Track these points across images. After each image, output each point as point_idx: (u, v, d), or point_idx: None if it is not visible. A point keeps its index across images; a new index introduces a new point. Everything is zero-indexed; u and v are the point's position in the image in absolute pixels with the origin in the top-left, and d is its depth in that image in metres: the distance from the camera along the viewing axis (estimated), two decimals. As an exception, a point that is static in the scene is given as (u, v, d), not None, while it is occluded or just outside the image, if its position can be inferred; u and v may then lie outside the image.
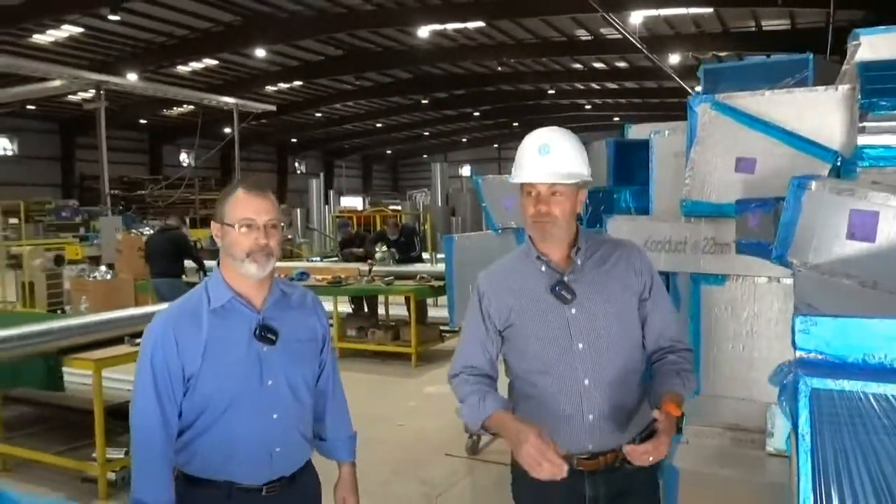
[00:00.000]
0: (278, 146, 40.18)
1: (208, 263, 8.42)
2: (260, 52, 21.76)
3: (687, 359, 1.96)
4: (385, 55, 23.53)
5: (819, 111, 2.99)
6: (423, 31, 20.32)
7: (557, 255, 1.95)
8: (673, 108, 29.09)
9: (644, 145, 3.99)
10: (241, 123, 17.55)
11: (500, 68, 25.48)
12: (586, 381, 1.89)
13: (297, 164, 44.31)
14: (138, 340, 3.98)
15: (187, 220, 16.68)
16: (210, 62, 23.20)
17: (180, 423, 1.86)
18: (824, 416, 1.18)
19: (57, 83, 15.64)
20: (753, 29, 20.71)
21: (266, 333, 1.86)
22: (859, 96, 2.70)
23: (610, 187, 4.72)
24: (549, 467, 1.66)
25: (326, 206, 20.82)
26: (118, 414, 4.32)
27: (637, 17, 18.40)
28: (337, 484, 2.17)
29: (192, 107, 26.06)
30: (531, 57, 24.18)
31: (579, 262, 1.94)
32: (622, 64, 25.25)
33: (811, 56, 3.49)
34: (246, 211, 1.84)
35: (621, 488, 1.95)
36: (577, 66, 26.10)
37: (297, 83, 27.00)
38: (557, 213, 1.89)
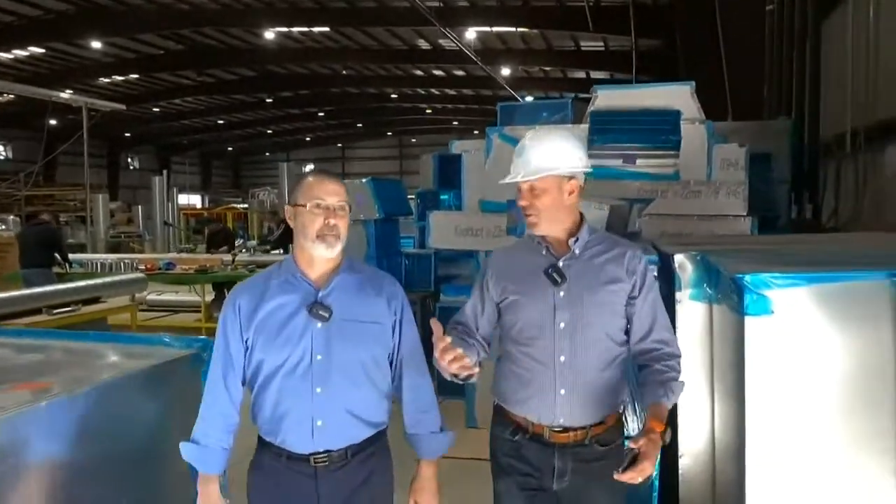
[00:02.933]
0: (110, 140, 38.19)
1: (72, 256, 8.85)
2: (95, 44, 21.06)
3: (672, 366, 2.01)
4: (230, 53, 23.50)
5: (569, 141, 4.43)
6: (270, 33, 20.76)
7: (558, 241, 2.08)
8: (506, 115, 31.54)
9: (460, 158, 5.34)
10: (90, 122, 16.99)
11: (344, 72, 26.38)
12: (562, 358, 2.00)
13: (129, 160, 42.29)
14: (56, 311, 4.68)
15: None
16: (36, 50, 22.03)
17: (248, 381, 2.01)
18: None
19: None
20: (573, 48, 23.02)
21: (318, 310, 1.91)
22: (587, 133, 4.17)
23: (436, 189, 6.07)
24: (448, 356, 1.83)
25: (169, 204, 20.67)
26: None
27: (472, 32, 20.11)
28: (411, 484, 2.11)
29: (11, 96, 24.46)
30: (375, 63, 25.24)
31: (577, 252, 2.05)
32: (460, 72, 27.00)
33: (570, 101, 4.99)
34: (317, 192, 1.93)
35: (588, 468, 2.04)
36: (419, 72, 27.53)
37: (134, 76, 26.19)
38: (538, 205, 2.03)
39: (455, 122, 37.82)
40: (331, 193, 1.94)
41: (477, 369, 1.96)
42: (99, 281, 5.38)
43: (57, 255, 8.46)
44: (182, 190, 32.53)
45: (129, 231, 20.31)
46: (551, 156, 2.03)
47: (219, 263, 8.89)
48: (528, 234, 2.13)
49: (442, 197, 6.15)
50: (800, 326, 1.75)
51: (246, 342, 1.94)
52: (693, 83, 4.64)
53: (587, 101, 4.75)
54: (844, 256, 2.18)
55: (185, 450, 1.94)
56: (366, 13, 19.06)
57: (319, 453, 1.93)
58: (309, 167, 46.93)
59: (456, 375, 1.93)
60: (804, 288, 1.72)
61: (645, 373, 2.03)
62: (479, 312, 2.15)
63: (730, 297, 1.99)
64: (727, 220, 4.21)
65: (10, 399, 1.42)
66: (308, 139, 44.88)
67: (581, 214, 2.10)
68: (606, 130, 4.18)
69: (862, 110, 5.79)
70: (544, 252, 2.08)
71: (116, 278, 5.56)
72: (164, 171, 23.50)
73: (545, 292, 2.03)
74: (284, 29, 20.52)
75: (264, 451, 1.99)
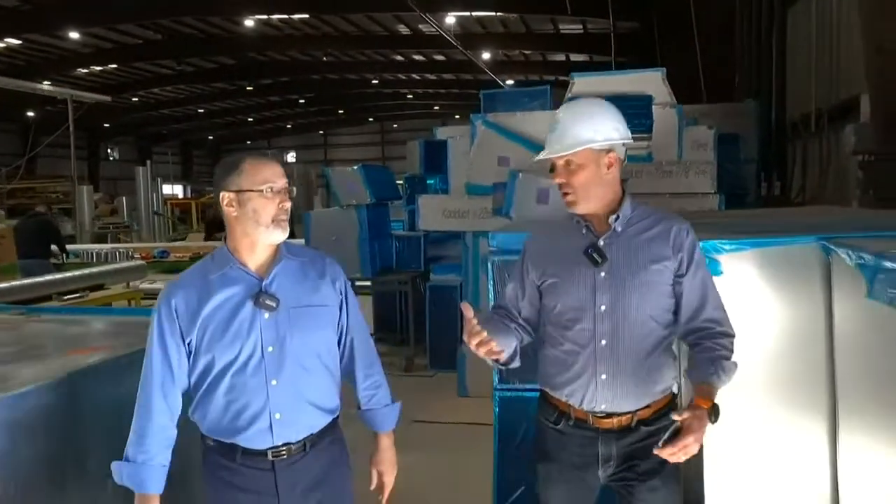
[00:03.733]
0: (89, 131, 37.84)
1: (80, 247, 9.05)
2: (73, 34, 20.93)
3: (724, 345, 1.92)
4: (209, 42, 23.39)
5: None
6: (249, 21, 20.75)
7: (599, 218, 1.98)
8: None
9: (446, 144, 5.61)
10: (75, 115, 16.97)
11: (325, 58, 26.39)
12: (603, 342, 1.92)
13: (109, 151, 41.95)
14: (66, 297, 4.91)
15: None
16: (13, 41, 21.83)
17: (192, 385, 1.91)
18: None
19: None
20: (553, 32, 23.19)
21: (265, 300, 1.85)
22: (565, 119, 4.44)
23: (422, 174, 6.36)
24: (473, 341, 1.82)
25: (154, 194, 20.73)
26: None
27: (452, 17, 20.25)
28: (372, 456, 2.11)
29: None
30: (355, 49, 25.29)
31: (619, 229, 1.95)
32: (440, 57, 27.06)
33: (549, 87, 5.26)
34: (268, 174, 1.86)
35: (634, 452, 1.96)
36: (399, 58, 27.57)
37: (112, 66, 26.01)
38: (574, 182, 1.93)
39: (436, 107, 37.91)
40: (279, 176, 1.88)
41: (506, 355, 1.92)
42: (105, 268, 5.65)
43: (54, 245, 8.65)
44: (165, 180, 32.43)
45: (117, 222, 20.41)
46: (586, 128, 1.92)
47: (212, 250, 9.08)
48: (571, 212, 2.01)
49: (429, 181, 6.46)
50: (746, 284, 2.04)
51: (188, 345, 1.86)
52: (664, 70, 4.92)
53: (566, 85, 5.02)
54: (787, 225, 2.47)
55: (119, 469, 1.83)
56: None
57: (278, 447, 1.88)
58: (291, 155, 46.90)
59: (497, 360, 1.92)
60: (748, 251, 2.01)
61: (695, 351, 1.95)
62: (519, 295, 2.08)
63: (688, 262, 2.26)
64: (697, 197, 4.52)
65: (79, 360, 1.67)
66: (289, 126, 44.75)
67: (623, 189, 2.00)
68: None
69: (825, 92, 6.12)
70: (584, 231, 1.98)
71: (120, 265, 5.82)
72: (148, 162, 23.50)
73: (585, 273, 1.94)
74: (264, 17, 20.53)
75: (213, 450, 1.91)
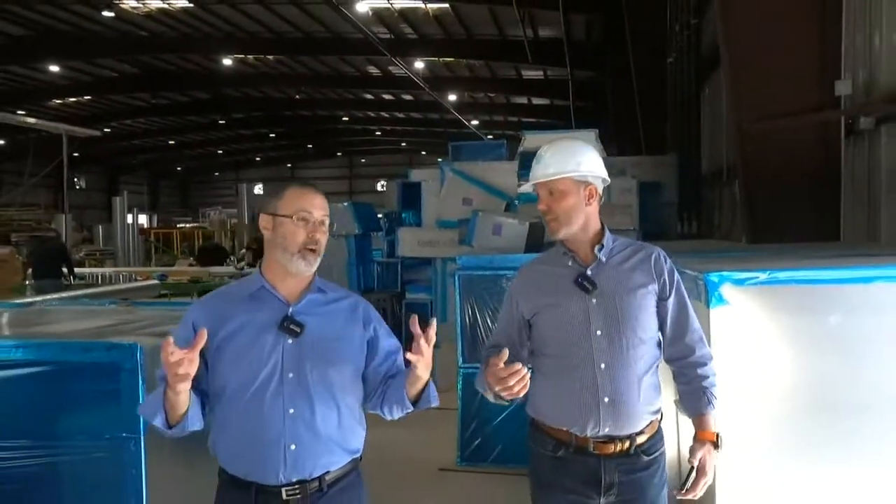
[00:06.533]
0: (57, 160, 37.95)
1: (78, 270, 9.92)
2: (53, 67, 21.53)
3: (707, 373, 2.09)
4: (185, 77, 24.01)
5: (505, 174, 5.89)
6: (227, 59, 21.69)
7: (583, 250, 2.08)
8: (453, 136, 32.72)
9: (419, 185, 6.78)
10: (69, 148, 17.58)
11: (297, 96, 27.42)
12: (602, 366, 2.00)
13: (76, 179, 42.06)
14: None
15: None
16: (-13, 71, 22.22)
17: (208, 409, 1.87)
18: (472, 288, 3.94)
19: None
20: (516, 77, 24.57)
21: (290, 325, 1.82)
22: (516, 169, 5.62)
23: (399, 210, 7.56)
24: (502, 381, 1.86)
25: (129, 224, 21.42)
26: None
27: (420, 62, 21.55)
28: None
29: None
30: (327, 87, 26.37)
31: (604, 259, 2.06)
32: (409, 97, 28.22)
33: (504, 142, 6.48)
34: (304, 203, 1.86)
35: (636, 484, 2.03)
36: (369, 96, 28.72)
37: (86, 97, 26.53)
38: (557, 209, 2.04)
39: (403, 143, 39.10)
40: (317, 207, 1.87)
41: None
42: (130, 286, 6.62)
43: (64, 267, 9.50)
44: (129, 209, 32.79)
45: (101, 249, 21.09)
46: (568, 160, 2.06)
47: (207, 275, 10.04)
48: (556, 246, 2.13)
49: (403, 216, 7.71)
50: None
51: (205, 363, 1.79)
52: (597, 130, 6.16)
53: (529, 126, 6.23)
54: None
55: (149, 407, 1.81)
56: (320, 43, 20.15)
57: (292, 484, 1.81)
58: (258, 188, 47.43)
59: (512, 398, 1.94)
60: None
61: (683, 381, 2.11)
62: (513, 330, 2.14)
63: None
64: (620, 233, 5.69)
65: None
66: (258, 159, 45.37)
67: (602, 223, 2.12)
68: (531, 166, 5.65)
69: (731, 150, 7.44)
70: (570, 263, 2.08)
71: (140, 284, 6.84)
72: (125, 192, 24.09)
73: (578, 301, 2.03)
74: (241, 56, 21.49)
75: (229, 488, 1.86)
